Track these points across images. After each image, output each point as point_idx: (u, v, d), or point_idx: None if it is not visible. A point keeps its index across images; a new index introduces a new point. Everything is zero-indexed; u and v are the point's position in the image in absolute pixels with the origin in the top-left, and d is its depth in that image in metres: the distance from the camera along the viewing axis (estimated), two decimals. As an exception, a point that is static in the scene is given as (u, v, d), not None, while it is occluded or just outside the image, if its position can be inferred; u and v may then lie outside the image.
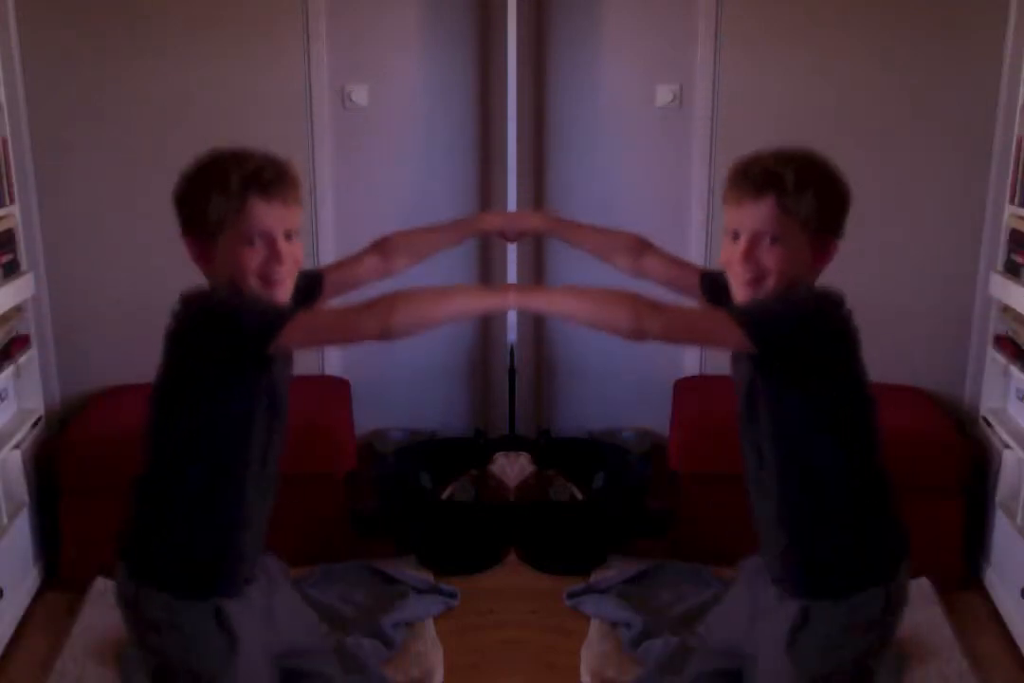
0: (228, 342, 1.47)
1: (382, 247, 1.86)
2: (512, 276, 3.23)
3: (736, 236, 1.56)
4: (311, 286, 1.74)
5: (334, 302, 1.78)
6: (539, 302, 1.58)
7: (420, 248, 1.88)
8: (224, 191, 1.51)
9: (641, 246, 1.88)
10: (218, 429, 1.57)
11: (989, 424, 2.79)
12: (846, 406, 1.57)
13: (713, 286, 1.74)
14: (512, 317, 3.27)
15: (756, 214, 1.53)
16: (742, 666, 1.77)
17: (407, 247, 1.87)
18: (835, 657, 1.63)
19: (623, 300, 1.48)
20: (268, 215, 1.53)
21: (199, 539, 1.62)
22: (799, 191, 1.52)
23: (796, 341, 1.48)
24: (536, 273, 3.28)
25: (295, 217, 1.57)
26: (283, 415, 1.67)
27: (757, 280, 1.55)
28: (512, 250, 3.18)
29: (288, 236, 1.56)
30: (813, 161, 1.57)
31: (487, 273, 3.28)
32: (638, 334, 1.47)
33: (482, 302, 1.57)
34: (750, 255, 1.54)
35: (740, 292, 1.58)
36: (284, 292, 1.58)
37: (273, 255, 1.54)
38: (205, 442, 1.58)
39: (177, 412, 1.58)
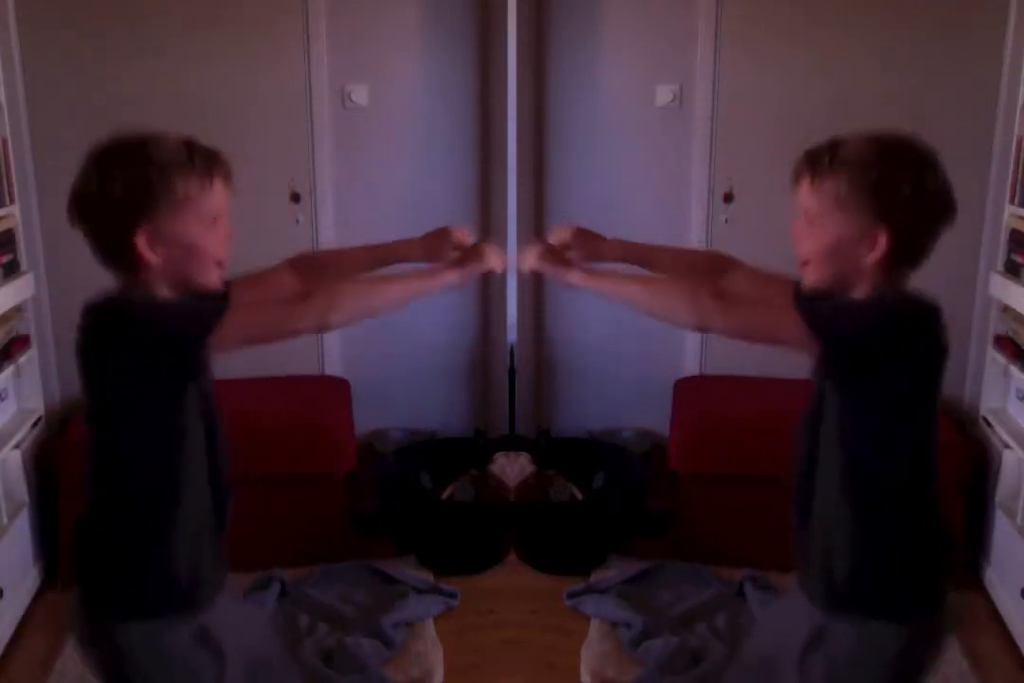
0: (154, 348, 1.41)
1: (297, 266, 1.76)
2: (511, 284, 3.23)
3: None
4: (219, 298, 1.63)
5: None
6: (603, 284, 1.58)
7: (328, 272, 1.78)
8: (190, 170, 1.47)
9: (726, 260, 1.77)
10: (153, 445, 1.50)
11: (989, 424, 2.78)
12: (911, 422, 1.49)
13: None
14: (512, 317, 3.27)
15: (800, 195, 1.51)
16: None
17: (319, 269, 1.78)
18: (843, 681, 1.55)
19: (686, 294, 1.48)
20: (223, 195, 1.51)
21: (156, 558, 1.52)
22: (830, 171, 1.46)
23: (865, 344, 1.42)
24: (535, 278, 3.28)
25: (226, 198, 1.54)
26: (219, 421, 1.59)
27: (804, 263, 1.52)
28: (512, 245, 3.18)
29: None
30: (864, 146, 1.48)
31: (485, 280, 3.28)
32: (699, 329, 1.48)
33: (422, 285, 1.57)
34: (796, 235, 1.52)
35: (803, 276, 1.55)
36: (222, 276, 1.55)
37: (226, 235, 1.52)
38: (142, 460, 1.50)
39: (108, 433, 1.51)
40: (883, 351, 1.42)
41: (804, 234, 1.51)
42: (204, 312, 1.46)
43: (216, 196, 1.49)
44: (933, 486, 1.53)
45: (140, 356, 1.43)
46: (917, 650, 1.52)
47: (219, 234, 1.51)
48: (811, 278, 1.52)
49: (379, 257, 1.80)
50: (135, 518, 1.53)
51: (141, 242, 1.46)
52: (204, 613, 1.56)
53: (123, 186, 1.46)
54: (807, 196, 1.49)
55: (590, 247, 1.79)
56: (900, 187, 1.46)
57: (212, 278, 1.52)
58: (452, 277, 1.57)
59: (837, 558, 1.53)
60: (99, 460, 1.53)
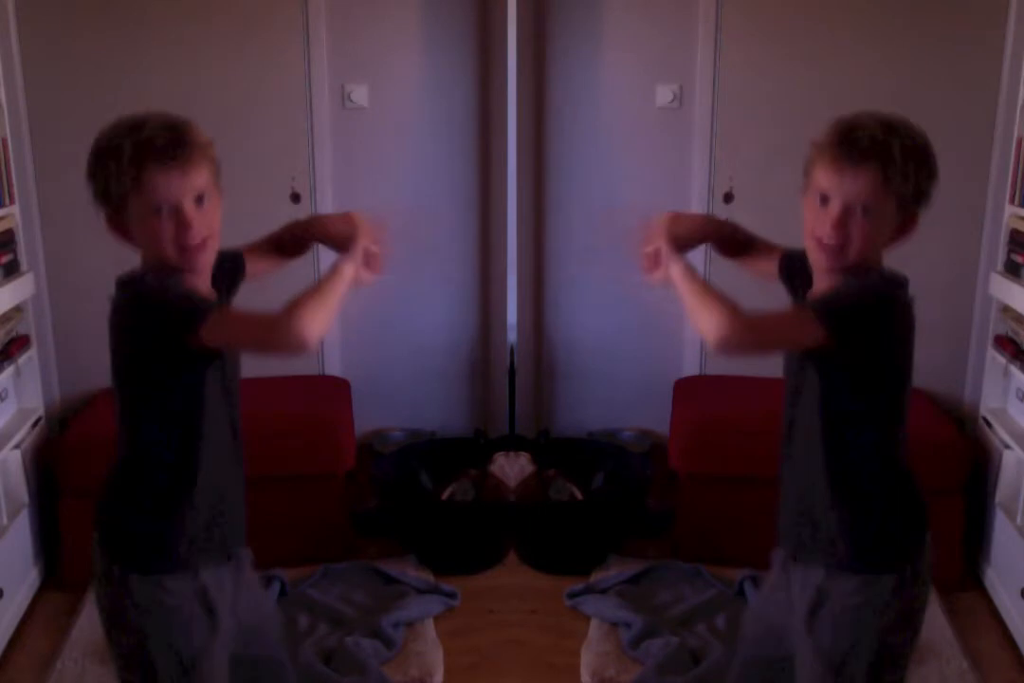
0: (156, 335, 1.48)
1: (278, 237, 1.82)
2: (512, 284, 3.24)
3: (824, 200, 1.51)
4: (236, 267, 1.72)
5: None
6: (675, 274, 1.57)
7: (268, 261, 1.83)
8: (119, 162, 1.47)
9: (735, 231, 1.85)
10: (170, 411, 1.57)
11: (989, 424, 2.78)
12: (893, 389, 1.58)
13: (791, 265, 1.70)
14: (512, 318, 3.27)
15: (855, 183, 1.48)
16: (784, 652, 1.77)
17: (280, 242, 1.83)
18: (851, 634, 1.62)
19: (721, 315, 1.45)
20: (167, 183, 1.48)
21: (171, 518, 1.62)
22: (903, 164, 1.47)
23: (873, 335, 1.49)
24: (535, 272, 3.29)
25: (200, 180, 1.51)
26: (236, 394, 1.67)
27: (840, 249, 1.51)
28: (512, 246, 3.19)
29: (200, 199, 1.51)
30: (915, 133, 1.52)
31: (486, 280, 3.29)
32: (719, 351, 1.46)
33: (349, 283, 1.57)
34: (841, 223, 1.49)
35: (819, 258, 1.55)
36: (205, 258, 1.55)
37: (181, 223, 1.49)
38: (160, 423, 1.58)
39: (132, 398, 1.59)
40: (888, 338, 1.51)
41: (850, 221, 1.49)
42: (190, 312, 1.48)
43: (159, 186, 1.48)
44: (904, 451, 1.63)
45: (141, 340, 1.51)
46: (908, 593, 1.63)
47: (170, 222, 1.49)
48: (845, 262, 1.52)
49: (307, 236, 1.81)
50: (147, 487, 1.62)
51: (109, 224, 1.55)
52: (204, 574, 1.63)
53: (86, 174, 1.53)
54: (863, 186, 1.48)
55: (682, 229, 1.72)
56: (937, 174, 1.53)
57: (189, 263, 1.53)
58: (670, 265, 1.58)
59: (830, 526, 1.62)
60: (121, 428, 1.62)
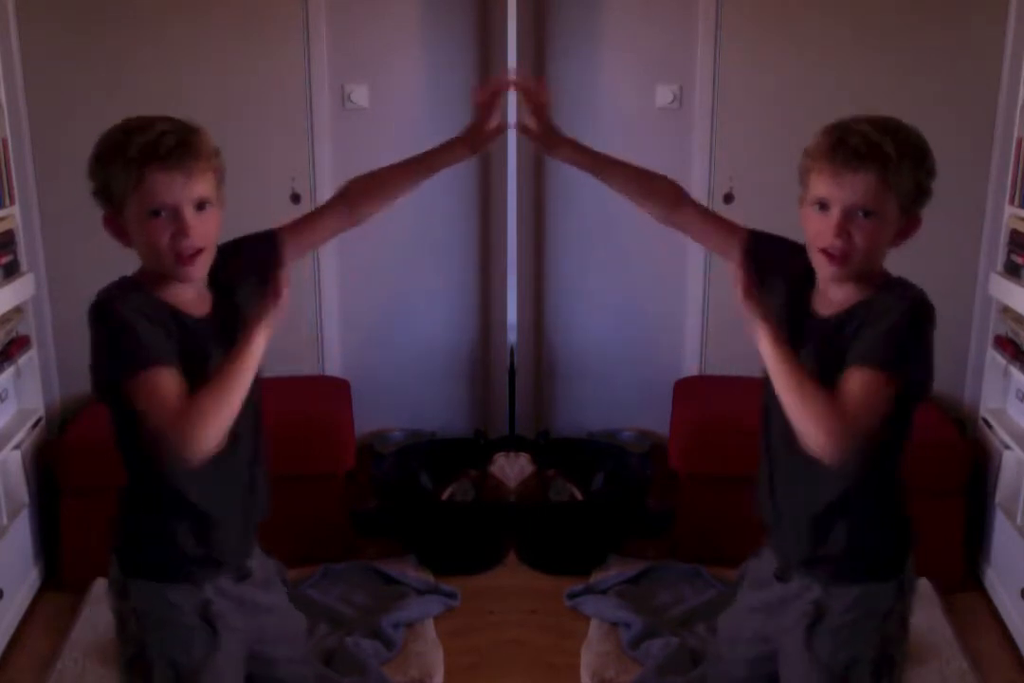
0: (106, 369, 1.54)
1: (346, 196, 1.79)
2: (512, 284, 3.23)
3: (823, 207, 1.49)
4: (268, 252, 1.67)
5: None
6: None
7: (387, 189, 1.81)
8: (124, 162, 1.46)
9: (678, 197, 1.81)
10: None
11: (989, 425, 2.78)
12: (907, 409, 1.61)
13: (760, 253, 1.68)
14: (512, 318, 3.27)
15: (854, 187, 1.46)
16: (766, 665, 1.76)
17: (373, 191, 1.81)
18: (854, 645, 1.63)
19: (829, 432, 1.44)
20: (169, 187, 1.46)
21: (164, 531, 1.63)
22: (900, 163, 1.46)
23: (925, 358, 1.57)
24: (535, 272, 3.29)
25: (203, 186, 1.49)
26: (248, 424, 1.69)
27: (846, 255, 1.49)
28: (512, 246, 3.19)
29: (201, 206, 1.49)
30: (909, 132, 1.51)
31: (486, 281, 3.29)
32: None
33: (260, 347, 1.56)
34: (843, 229, 1.48)
35: (827, 269, 1.53)
36: (199, 266, 1.53)
37: (179, 228, 1.47)
38: (141, 444, 1.57)
39: (111, 411, 1.62)
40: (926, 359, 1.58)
41: (851, 226, 1.48)
42: (119, 365, 1.51)
43: (160, 189, 1.46)
44: (900, 464, 1.65)
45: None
46: (901, 604, 1.65)
47: (167, 226, 1.48)
48: (851, 269, 1.51)
49: (427, 167, 1.88)
50: (141, 501, 1.65)
51: (106, 222, 1.55)
52: (208, 588, 1.64)
53: (87, 171, 1.53)
54: (862, 189, 1.46)
55: (545, 135, 1.83)
56: (933, 171, 1.52)
57: (181, 273, 1.52)
58: (759, 333, 1.56)
59: (832, 537, 1.63)
60: (116, 438, 1.65)
